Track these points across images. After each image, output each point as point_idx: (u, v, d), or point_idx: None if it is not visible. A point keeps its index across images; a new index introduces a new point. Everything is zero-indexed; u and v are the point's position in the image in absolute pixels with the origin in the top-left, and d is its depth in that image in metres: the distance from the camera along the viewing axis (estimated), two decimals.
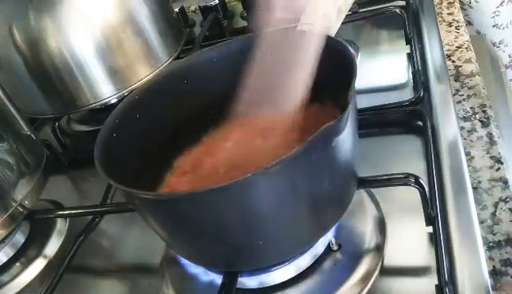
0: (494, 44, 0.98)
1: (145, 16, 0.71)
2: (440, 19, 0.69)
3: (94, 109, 0.71)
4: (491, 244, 0.39)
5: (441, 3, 0.73)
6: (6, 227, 0.54)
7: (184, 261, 0.47)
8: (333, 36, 0.46)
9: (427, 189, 0.43)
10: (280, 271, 0.43)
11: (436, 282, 0.38)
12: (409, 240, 0.44)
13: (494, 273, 0.37)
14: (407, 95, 0.59)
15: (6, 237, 0.57)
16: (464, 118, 0.51)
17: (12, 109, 0.59)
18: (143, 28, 0.70)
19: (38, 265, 0.57)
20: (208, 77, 0.50)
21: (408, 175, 0.43)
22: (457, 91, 0.55)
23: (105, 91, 0.69)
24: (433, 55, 0.63)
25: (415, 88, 0.60)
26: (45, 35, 0.65)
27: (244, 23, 0.93)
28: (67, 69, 0.66)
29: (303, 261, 0.43)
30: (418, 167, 0.49)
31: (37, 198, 0.58)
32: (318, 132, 0.32)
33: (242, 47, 0.49)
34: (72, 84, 0.67)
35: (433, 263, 0.40)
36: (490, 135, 0.49)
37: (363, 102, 0.57)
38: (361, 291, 0.41)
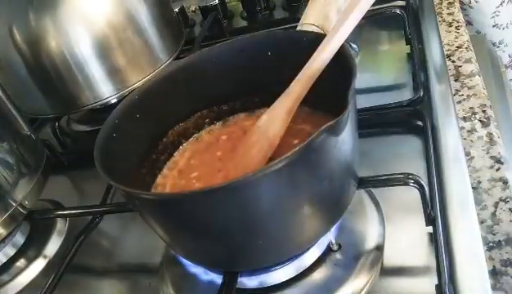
0: (494, 44, 0.98)
1: (145, 16, 0.71)
2: (440, 19, 0.69)
3: (94, 109, 0.71)
4: (491, 244, 0.39)
5: (441, 3, 0.73)
6: (6, 227, 0.54)
7: (184, 261, 0.47)
8: None
9: (427, 189, 0.43)
10: (280, 271, 0.43)
11: (436, 282, 0.38)
12: (409, 240, 0.44)
13: (494, 273, 0.37)
14: (407, 95, 0.60)
15: (6, 237, 0.57)
16: (464, 118, 0.51)
17: (12, 109, 0.59)
18: (143, 28, 0.70)
19: (38, 265, 0.57)
20: (208, 78, 0.50)
21: (408, 175, 0.43)
22: (457, 91, 0.55)
23: (105, 91, 0.69)
24: (433, 55, 0.63)
25: (415, 88, 0.60)
26: (45, 35, 0.65)
27: (244, 23, 0.93)
28: (67, 69, 0.66)
29: (303, 261, 0.43)
30: (418, 167, 0.49)
31: (37, 198, 0.58)
32: (318, 132, 0.32)
33: (242, 47, 0.49)
34: (72, 84, 0.67)
35: (433, 263, 0.40)
36: (490, 135, 0.49)
37: (363, 102, 0.57)
38: (361, 291, 0.41)
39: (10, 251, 0.58)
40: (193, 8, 1.03)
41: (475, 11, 0.95)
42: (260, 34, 0.51)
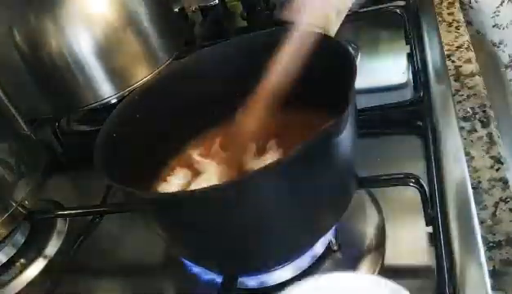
0: (494, 44, 0.98)
1: (145, 16, 0.71)
2: (440, 19, 0.69)
3: (94, 109, 0.71)
4: (491, 244, 0.39)
5: (441, 3, 0.73)
6: (6, 227, 0.54)
7: (184, 261, 0.47)
8: (333, 36, 0.46)
9: (427, 189, 0.43)
10: (280, 271, 0.43)
11: (436, 282, 0.38)
12: (409, 240, 0.44)
13: (494, 273, 0.37)
14: (407, 95, 0.60)
15: (6, 237, 0.57)
16: (464, 118, 0.51)
17: (12, 110, 0.59)
18: (143, 28, 0.70)
19: (38, 265, 0.57)
20: (208, 77, 0.50)
21: (408, 175, 0.43)
22: (457, 91, 0.55)
23: (105, 91, 0.69)
24: (433, 55, 0.63)
25: (415, 88, 0.60)
26: (45, 35, 0.65)
27: (244, 23, 0.93)
28: (67, 70, 0.66)
29: (303, 261, 0.43)
30: (418, 167, 0.49)
31: (37, 198, 0.58)
32: (318, 132, 0.32)
33: (242, 47, 0.49)
34: (72, 84, 0.67)
35: (433, 263, 0.40)
36: (490, 135, 0.48)
37: (363, 102, 0.57)
38: None
39: (10, 251, 0.58)
40: (193, 8, 1.03)
41: (475, 11, 0.95)
42: (260, 34, 0.51)
